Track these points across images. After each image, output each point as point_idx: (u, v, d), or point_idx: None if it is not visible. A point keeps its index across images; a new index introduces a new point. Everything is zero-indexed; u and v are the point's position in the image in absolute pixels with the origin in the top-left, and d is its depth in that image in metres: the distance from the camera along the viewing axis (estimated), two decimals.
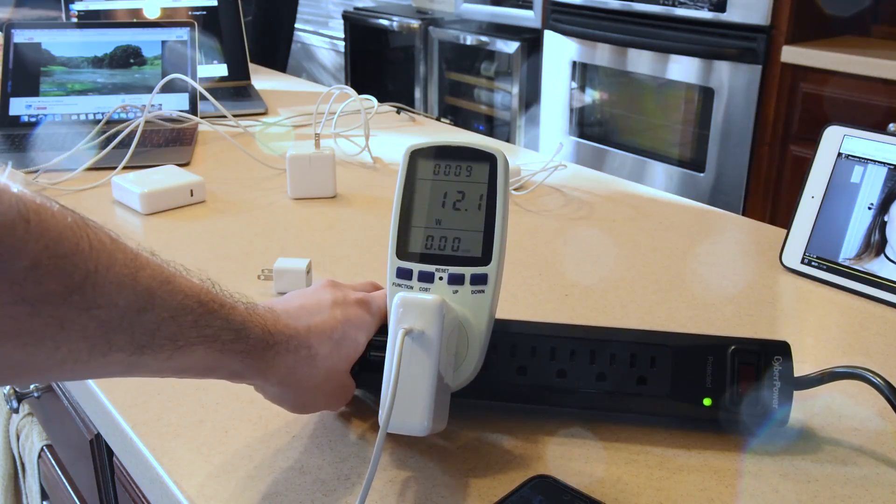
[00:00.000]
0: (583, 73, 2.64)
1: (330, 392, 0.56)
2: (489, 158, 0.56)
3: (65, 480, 0.96)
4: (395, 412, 0.50)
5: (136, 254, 0.44)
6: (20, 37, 1.35)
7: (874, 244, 0.79)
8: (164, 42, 1.39)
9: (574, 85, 2.66)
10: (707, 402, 0.57)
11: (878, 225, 0.79)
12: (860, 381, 0.57)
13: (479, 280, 0.55)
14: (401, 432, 0.50)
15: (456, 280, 0.55)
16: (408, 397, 0.50)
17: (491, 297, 0.55)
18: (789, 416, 0.56)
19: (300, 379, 0.53)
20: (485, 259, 0.55)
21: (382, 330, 0.59)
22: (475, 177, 0.56)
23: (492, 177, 0.55)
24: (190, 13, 1.62)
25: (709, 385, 0.57)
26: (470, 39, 3.00)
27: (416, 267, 0.55)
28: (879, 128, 0.80)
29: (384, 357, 0.53)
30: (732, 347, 0.57)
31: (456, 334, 0.54)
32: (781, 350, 0.57)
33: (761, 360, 0.57)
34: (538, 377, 0.58)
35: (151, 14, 1.60)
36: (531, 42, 2.79)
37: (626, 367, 0.58)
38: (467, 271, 0.55)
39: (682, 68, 2.30)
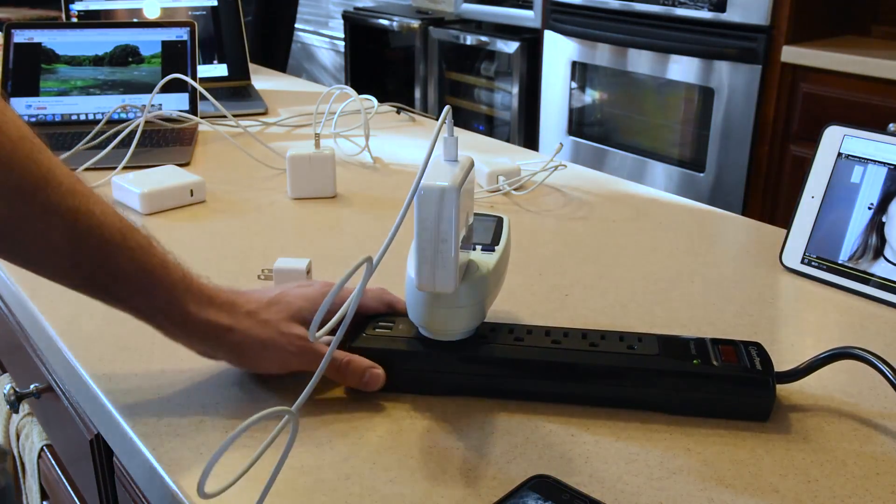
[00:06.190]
0: (583, 73, 2.64)
1: (271, 341, 0.60)
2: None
3: (65, 480, 0.96)
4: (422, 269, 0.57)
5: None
6: (20, 37, 1.35)
7: (874, 244, 0.79)
8: (163, 42, 1.39)
9: (574, 85, 2.66)
10: (696, 362, 0.60)
11: (878, 225, 0.79)
12: (846, 359, 0.60)
13: (489, 250, 0.67)
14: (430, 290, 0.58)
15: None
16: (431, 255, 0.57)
17: (499, 256, 0.65)
18: (775, 397, 0.59)
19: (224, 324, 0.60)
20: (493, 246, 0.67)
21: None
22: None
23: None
24: (190, 13, 1.62)
25: (693, 353, 0.61)
26: (470, 39, 3.00)
27: None
28: (879, 128, 0.80)
29: (386, 333, 0.63)
30: (710, 338, 0.63)
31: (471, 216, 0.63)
32: (756, 346, 0.62)
33: (739, 346, 0.62)
34: (535, 347, 0.63)
35: (151, 14, 1.60)
36: (531, 42, 2.79)
37: (616, 342, 0.63)
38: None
39: (682, 68, 2.31)
